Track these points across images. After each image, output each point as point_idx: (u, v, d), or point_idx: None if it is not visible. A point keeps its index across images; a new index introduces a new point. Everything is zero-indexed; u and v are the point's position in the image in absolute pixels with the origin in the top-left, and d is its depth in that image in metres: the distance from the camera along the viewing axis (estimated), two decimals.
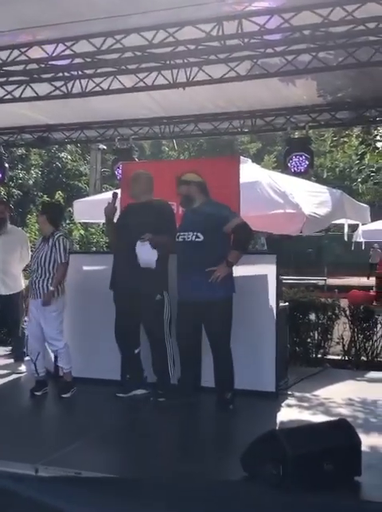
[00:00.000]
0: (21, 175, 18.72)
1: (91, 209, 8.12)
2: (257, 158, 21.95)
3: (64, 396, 5.01)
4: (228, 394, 4.63)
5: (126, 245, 4.89)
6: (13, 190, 17.18)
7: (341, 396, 5.08)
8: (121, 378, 5.23)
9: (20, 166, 19.03)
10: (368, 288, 10.00)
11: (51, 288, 5.02)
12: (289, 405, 4.86)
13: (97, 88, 5.65)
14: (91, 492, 3.18)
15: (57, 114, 7.58)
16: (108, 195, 5.91)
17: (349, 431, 3.37)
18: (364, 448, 3.38)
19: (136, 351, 5.09)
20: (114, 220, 5.22)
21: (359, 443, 3.33)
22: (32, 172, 19.37)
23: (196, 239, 4.63)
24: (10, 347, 6.65)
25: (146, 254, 4.75)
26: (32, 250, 6.06)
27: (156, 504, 2.97)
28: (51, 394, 5.12)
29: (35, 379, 5.16)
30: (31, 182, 18.95)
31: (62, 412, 4.99)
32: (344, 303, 7.03)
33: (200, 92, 6.48)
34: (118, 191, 5.86)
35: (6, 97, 5.98)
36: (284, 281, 7.77)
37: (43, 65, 5.32)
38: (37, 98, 5.90)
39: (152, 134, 7.93)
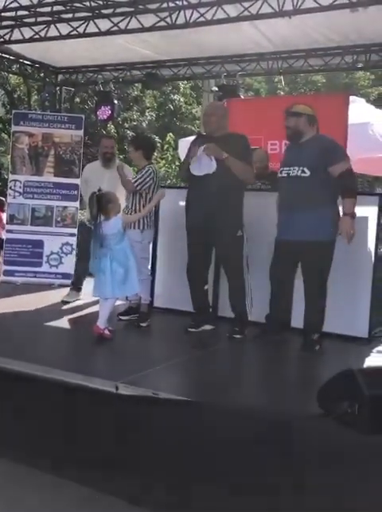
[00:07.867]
0: (135, 116, 18.99)
1: None
2: (379, 104, 20.73)
3: (142, 325, 5.11)
4: (316, 335, 4.50)
5: (200, 182, 4.72)
6: (127, 131, 17.48)
7: None
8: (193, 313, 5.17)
9: (135, 108, 19.29)
10: None
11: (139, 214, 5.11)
12: (380, 352, 4.68)
13: (201, 18, 5.51)
14: (166, 411, 3.30)
15: (165, 50, 7.56)
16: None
17: None
18: None
19: (206, 288, 5.07)
20: None
21: None
22: (146, 114, 19.59)
23: (302, 174, 4.36)
24: None
25: (204, 162, 4.65)
26: None
27: (226, 430, 3.04)
28: (134, 322, 5.21)
29: (129, 305, 5.35)
30: (144, 124, 19.17)
31: (143, 338, 5.04)
32: None
33: (310, 24, 6.18)
34: None
35: (113, 29, 6.00)
36: None
37: None
38: (142, 29, 5.87)
39: (259, 70, 7.69)
